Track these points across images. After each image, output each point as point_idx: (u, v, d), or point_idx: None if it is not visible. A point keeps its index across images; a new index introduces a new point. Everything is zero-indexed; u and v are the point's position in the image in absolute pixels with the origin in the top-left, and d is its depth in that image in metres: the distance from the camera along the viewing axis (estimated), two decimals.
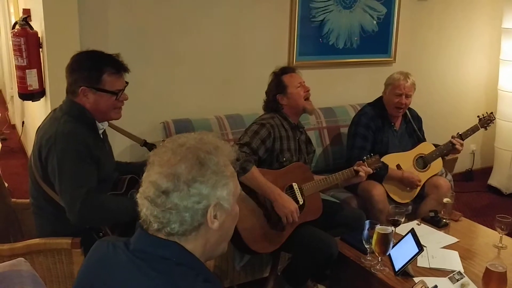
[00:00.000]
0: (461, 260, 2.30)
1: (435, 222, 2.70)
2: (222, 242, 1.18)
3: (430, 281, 2.02)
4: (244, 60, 3.53)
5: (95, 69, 2.01)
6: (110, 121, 2.22)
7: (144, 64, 3.10)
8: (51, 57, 2.89)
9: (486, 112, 3.39)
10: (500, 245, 2.49)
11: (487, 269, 1.98)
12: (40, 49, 3.05)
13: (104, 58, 2.05)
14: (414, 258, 2.18)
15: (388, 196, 3.07)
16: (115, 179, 2.19)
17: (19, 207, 2.38)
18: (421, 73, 4.13)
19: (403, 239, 2.32)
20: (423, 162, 3.23)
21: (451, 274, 2.16)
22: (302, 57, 3.71)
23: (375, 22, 3.99)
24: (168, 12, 3.19)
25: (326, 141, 3.60)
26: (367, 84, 4.00)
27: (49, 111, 2.23)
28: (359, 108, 3.47)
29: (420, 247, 2.19)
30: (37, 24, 3.10)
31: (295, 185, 2.57)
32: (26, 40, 2.98)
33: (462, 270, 2.20)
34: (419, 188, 3.14)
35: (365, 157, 2.72)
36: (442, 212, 2.74)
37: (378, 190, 3.01)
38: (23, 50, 2.98)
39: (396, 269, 2.19)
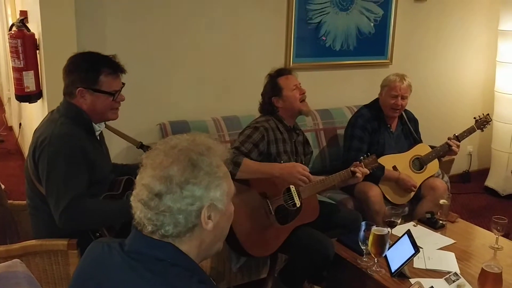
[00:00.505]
0: (457, 261, 2.31)
1: (432, 224, 2.71)
2: (217, 242, 1.18)
3: (426, 282, 2.02)
4: (241, 62, 3.53)
5: (92, 70, 2.02)
6: (107, 123, 2.23)
7: (141, 65, 3.10)
8: (48, 59, 2.89)
9: (483, 114, 3.40)
10: (496, 246, 2.49)
11: (482, 270, 1.99)
12: (37, 51, 3.05)
13: (100, 59, 2.06)
14: (410, 259, 2.19)
15: (384, 197, 3.07)
16: (112, 180, 2.19)
17: (15, 209, 2.37)
18: (418, 74, 4.15)
19: (399, 241, 2.33)
20: (419, 164, 3.23)
21: (447, 275, 2.17)
22: (299, 59, 3.72)
23: (371, 24, 3.99)
24: (164, 14, 3.19)
25: (323, 142, 3.60)
26: (363, 86, 4.01)
27: (46, 112, 2.23)
28: (355, 110, 3.48)
29: (416, 249, 2.19)
30: (34, 26, 3.10)
31: (292, 188, 2.56)
32: (23, 42, 2.98)
33: (458, 271, 2.21)
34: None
35: (362, 157, 2.71)
36: (438, 214, 2.75)
37: (374, 192, 3.01)
38: (20, 51, 2.98)
39: (392, 271, 2.19)
